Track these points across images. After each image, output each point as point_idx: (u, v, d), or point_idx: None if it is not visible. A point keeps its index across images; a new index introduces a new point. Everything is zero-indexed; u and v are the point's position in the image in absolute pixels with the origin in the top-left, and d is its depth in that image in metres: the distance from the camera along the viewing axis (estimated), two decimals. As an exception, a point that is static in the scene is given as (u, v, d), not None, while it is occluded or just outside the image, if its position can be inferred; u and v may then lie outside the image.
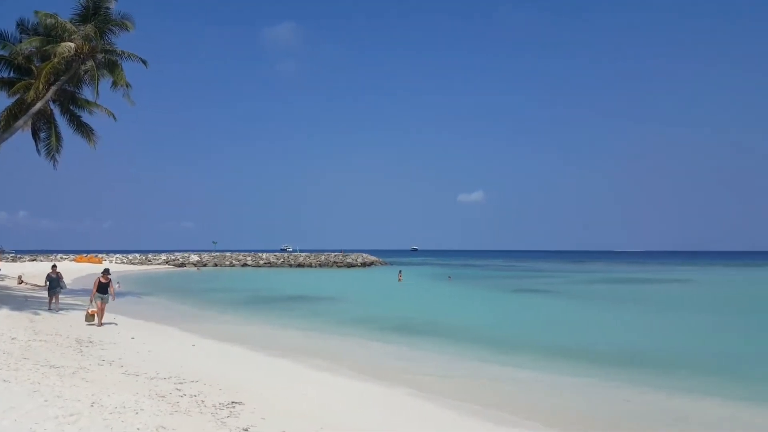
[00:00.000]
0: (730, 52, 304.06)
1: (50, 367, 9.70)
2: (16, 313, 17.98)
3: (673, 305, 29.31)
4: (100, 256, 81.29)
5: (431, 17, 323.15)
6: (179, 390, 8.76)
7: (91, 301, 16.88)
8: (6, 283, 33.32)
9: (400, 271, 52.04)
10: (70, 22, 24.64)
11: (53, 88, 24.56)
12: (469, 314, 25.33)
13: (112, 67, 25.92)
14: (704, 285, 46.39)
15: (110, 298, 16.98)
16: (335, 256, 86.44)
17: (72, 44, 23.57)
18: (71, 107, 27.64)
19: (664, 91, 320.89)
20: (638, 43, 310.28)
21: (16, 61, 25.64)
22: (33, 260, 74.15)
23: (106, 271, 17.29)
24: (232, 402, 8.23)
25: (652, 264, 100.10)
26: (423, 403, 9.59)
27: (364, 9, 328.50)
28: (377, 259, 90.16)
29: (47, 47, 23.84)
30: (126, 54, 26.30)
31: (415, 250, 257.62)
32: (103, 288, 16.71)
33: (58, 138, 27.45)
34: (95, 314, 16.60)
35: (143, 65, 26.90)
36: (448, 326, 20.10)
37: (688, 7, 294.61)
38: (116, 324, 17.19)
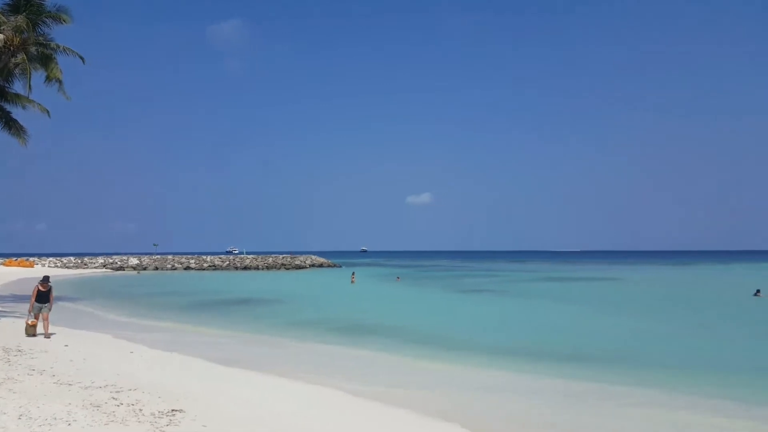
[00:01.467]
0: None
1: (-26, 378, 9.18)
2: (-65, 322, 16.84)
3: (608, 303, 30.64)
4: (31, 259, 77.20)
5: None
6: (116, 399, 8.49)
7: (29, 312, 15.88)
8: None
9: (353, 273, 52.44)
10: (0, 12, 23.31)
11: (-21, 82, 23.17)
12: (415, 314, 25.66)
13: (45, 60, 24.67)
14: (635, 283, 49.09)
15: (49, 306, 15.98)
16: (283, 258, 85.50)
17: (1, 35, 22.31)
18: (0, 102, 26.13)
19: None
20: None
21: (-63, 52, 23.98)
22: (-44, 264, 69.63)
23: (45, 279, 16.20)
24: (172, 410, 8.04)
25: (590, 263, 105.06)
26: (369, 403, 9.67)
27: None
28: (326, 261, 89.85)
29: (-27, 38, 22.45)
30: (62, 48, 25.11)
31: (365, 251, 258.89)
32: (43, 297, 15.78)
33: (-15, 134, 25.88)
34: (36, 325, 15.66)
35: (81, 61, 25.84)
36: (393, 327, 20.32)
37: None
38: (51, 332, 16.36)
